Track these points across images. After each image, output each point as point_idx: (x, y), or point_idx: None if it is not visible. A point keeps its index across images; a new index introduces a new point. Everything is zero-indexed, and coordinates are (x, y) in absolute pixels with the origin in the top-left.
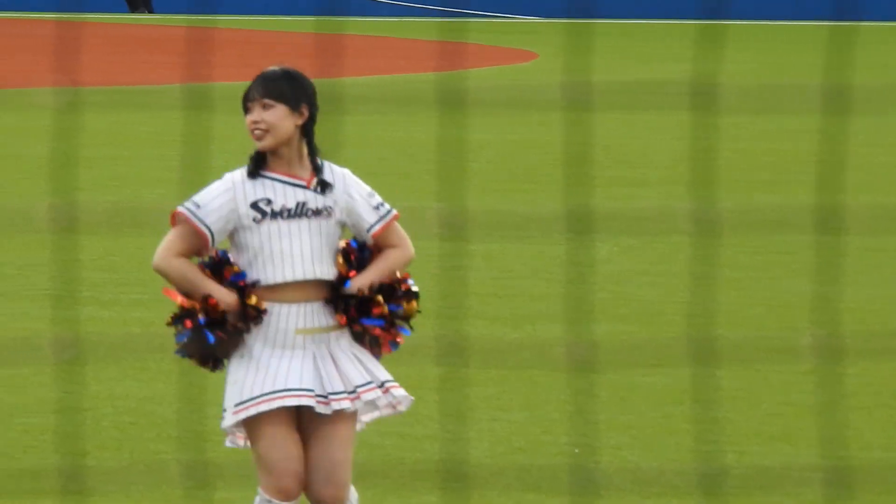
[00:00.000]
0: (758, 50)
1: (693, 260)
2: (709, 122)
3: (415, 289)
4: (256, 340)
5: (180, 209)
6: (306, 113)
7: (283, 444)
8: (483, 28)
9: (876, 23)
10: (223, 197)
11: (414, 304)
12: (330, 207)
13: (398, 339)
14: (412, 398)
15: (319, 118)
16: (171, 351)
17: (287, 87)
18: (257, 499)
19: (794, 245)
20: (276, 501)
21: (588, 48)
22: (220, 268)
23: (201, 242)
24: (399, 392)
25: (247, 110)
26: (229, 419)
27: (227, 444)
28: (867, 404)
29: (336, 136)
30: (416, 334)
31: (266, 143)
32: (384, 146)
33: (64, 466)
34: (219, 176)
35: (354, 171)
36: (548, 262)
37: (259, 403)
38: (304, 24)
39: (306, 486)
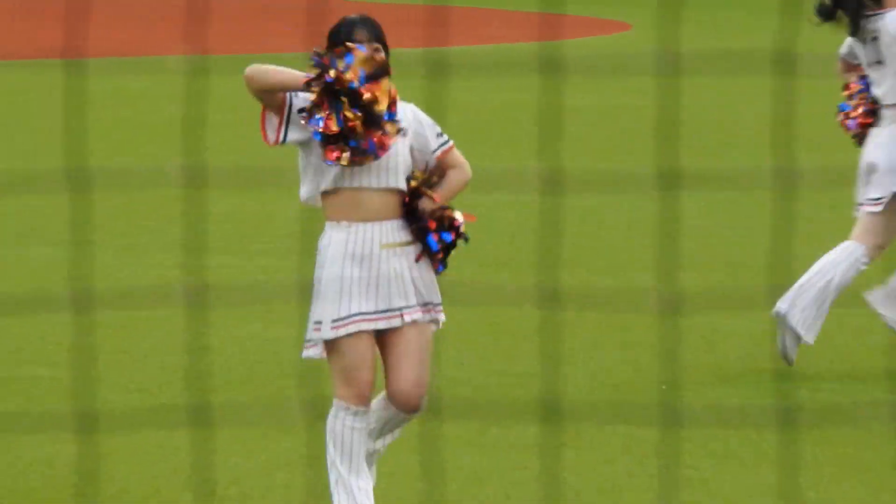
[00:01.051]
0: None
1: (773, 215)
2: (790, 86)
3: (461, 226)
4: (345, 258)
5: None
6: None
7: (360, 359)
8: (581, 0)
9: None
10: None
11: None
12: (405, 129)
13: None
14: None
15: (429, 84)
16: (292, 298)
17: (381, 32)
18: (333, 408)
19: None
20: (353, 407)
21: (679, 18)
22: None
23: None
24: (443, 317)
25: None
26: (326, 332)
27: (304, 355)
28: None
29: (443, 101)
30: (517, 282)
31: None
32: (489, 111)
33: (195, 402)
34: None
35: (461, 135)
36: (640, 216)
37: (348, 325)
38: None
39: (388, 388)
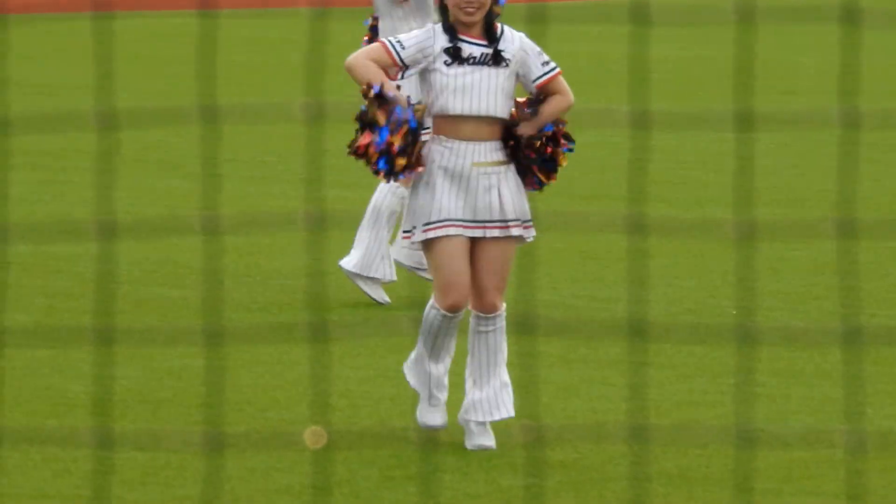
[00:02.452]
0: None
1: (837, 154)
2: (853, 38)
3: (570, 145)
4: (440, 171)
5: (384, 41)
6: None
7: (456, 264)
8: None
9: None
10: (423, 39)
11: (562, 155)
12: (508, 60)
13: (548, 180)
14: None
15: (530, 34)
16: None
17: None
18: (430, 310)
19: None
20: (447, 313)
21: None
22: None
23: (390, 64)
24: (529, 233)
25: None
26: (419, 235)
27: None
28: None
29: (544, 49)
30: (605, 214)
31: (475, 17)
32: (583, 59)
33: (312, 321)
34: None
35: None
36: (716, 155)
37: (444, 226)
38: None
39: (472, 290)
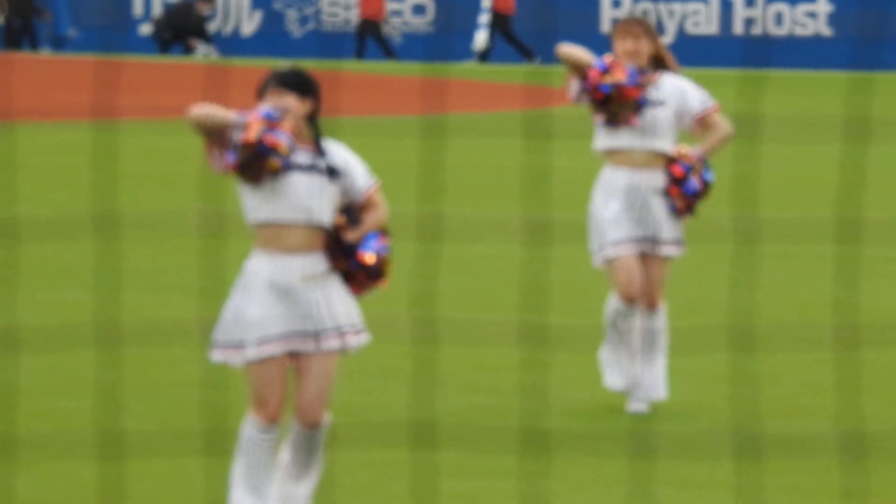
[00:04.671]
0: None
1: (836, 263)
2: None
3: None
4: (265, 283)
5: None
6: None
7: (272, 381)
8: None
9: None
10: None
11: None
12: (338, 172)
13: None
14: (365, 343)
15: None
16: None
17: (300, 80)
18: (247, 421)
19: None
20: (263, 424)
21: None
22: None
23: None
24: (359, 340)
25: (266, 96)
26: (236, 359)
27: (215, 358)
28: None
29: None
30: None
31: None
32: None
33: (208, 427)
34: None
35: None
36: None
37: (262, 347)
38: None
39: (296, 404)
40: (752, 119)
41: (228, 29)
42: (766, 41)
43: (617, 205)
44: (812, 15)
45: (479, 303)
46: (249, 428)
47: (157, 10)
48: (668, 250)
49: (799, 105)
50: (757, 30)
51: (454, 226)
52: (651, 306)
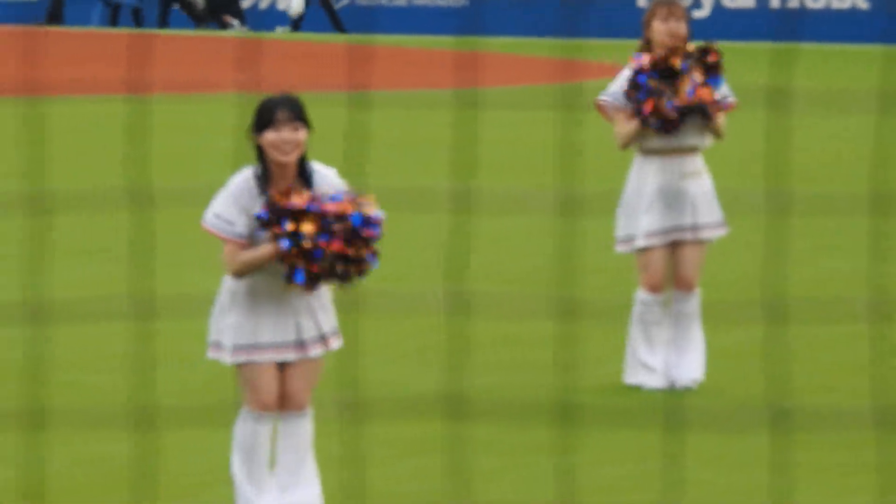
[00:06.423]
0: None
1: (868, 236)
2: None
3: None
4: (253, 292)
5: (207, 226)
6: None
7: (265, 377)
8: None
9: None
10: (237, 210)
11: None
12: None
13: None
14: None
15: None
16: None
17: (302, 110)
18: (242, 412)
19: None
20: (259, 413)
21: None
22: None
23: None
24: (339, 343)
25: (276, 127)
26: (228, 358)
27: (209, 356)
28: None
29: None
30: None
31: (291, 157)
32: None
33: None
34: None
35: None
36: None
37: (252, 353)
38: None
39: (283, 398)
40: (785, 93)
41: (264, 4)
42: (803, 14)
43: (651, 194)
44: None
45: (511, 276)
46: (243, 420)
47: None
48: (709, 234)
49: (834, 79)
50: (793, 2)
51: (486, 200)
52: (688, 289)
